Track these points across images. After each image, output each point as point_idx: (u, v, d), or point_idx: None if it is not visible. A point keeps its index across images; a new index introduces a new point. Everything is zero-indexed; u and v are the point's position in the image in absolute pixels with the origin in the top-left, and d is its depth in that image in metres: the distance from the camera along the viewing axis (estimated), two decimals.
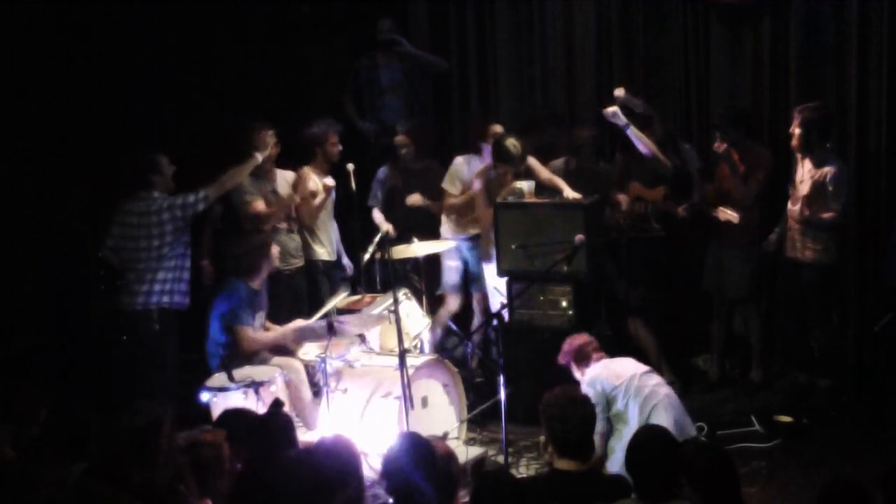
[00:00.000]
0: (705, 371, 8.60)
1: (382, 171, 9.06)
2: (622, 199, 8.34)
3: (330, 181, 8.45)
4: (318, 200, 8.47)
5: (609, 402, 6.42)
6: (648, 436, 4.75)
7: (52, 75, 8.88)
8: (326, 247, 8.64)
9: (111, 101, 9.14)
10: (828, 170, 7.61)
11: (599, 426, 6.07)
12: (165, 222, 7.46)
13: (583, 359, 6.77)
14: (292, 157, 8.63)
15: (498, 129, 8.51)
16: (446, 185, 8.60)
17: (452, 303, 8.77)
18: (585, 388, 6.37)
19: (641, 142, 8.14)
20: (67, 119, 8.89)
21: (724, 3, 8.79)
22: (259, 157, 8.00)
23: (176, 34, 9.46)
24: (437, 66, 10.06)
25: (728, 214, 7.79)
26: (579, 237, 7.18)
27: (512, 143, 8.10)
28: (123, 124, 9.08)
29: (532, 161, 8.30)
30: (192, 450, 5.35)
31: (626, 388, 6.42)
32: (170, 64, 9.43)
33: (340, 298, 7.82)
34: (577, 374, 6.73)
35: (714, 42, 9.02)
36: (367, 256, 8.22)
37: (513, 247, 7.92)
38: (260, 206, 8.17)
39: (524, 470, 7.14)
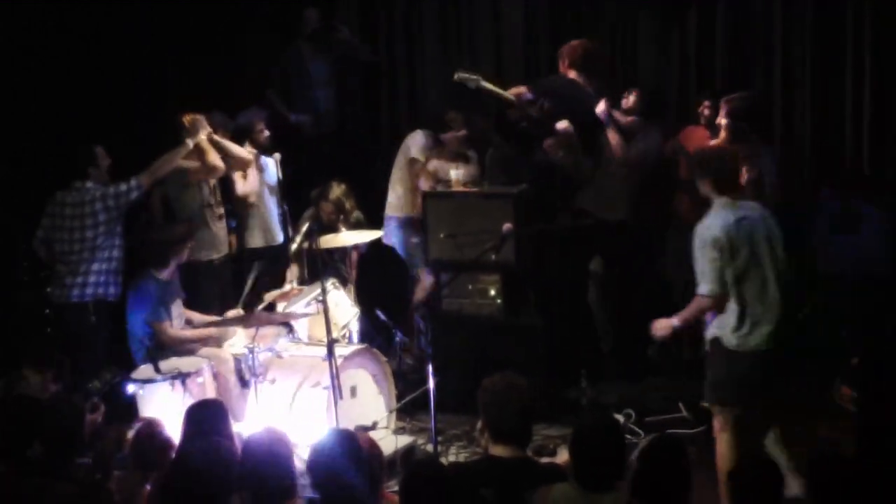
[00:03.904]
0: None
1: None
2: None
3: (252, 151, 8.47)
4: (251, 178, 8.44)
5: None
6: (595, 423, 4.72)
7: None
8: (258, 233, 8.60)
9: (40, 91, 9.00)
10: (762, 165, 7.66)
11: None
12: (99, 212, 7.42)
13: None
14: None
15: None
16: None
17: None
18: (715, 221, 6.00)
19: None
20: None
21: None
22: (190, 143, 7.89)
23: (97, 25, 9.32)
24: (368, 55, 10.06)
25: None
26: (507, 226, 7.19)
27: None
28: (54, 115, 8.95)
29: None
30: (134, 440, 5.48)
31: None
32: (92, 56, 9.30)
33: (253, 278, 7.73)
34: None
35: (641, 36, 9.10)
36: (294, 247, 8.16)
37: (441, 236, 7.92)
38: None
39: (453, 458, 7.12)
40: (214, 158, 8.04)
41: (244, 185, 8.48)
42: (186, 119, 7.91)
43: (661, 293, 8.49)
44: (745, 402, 6.12)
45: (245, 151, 8.33)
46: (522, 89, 8.07)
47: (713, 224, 5.96)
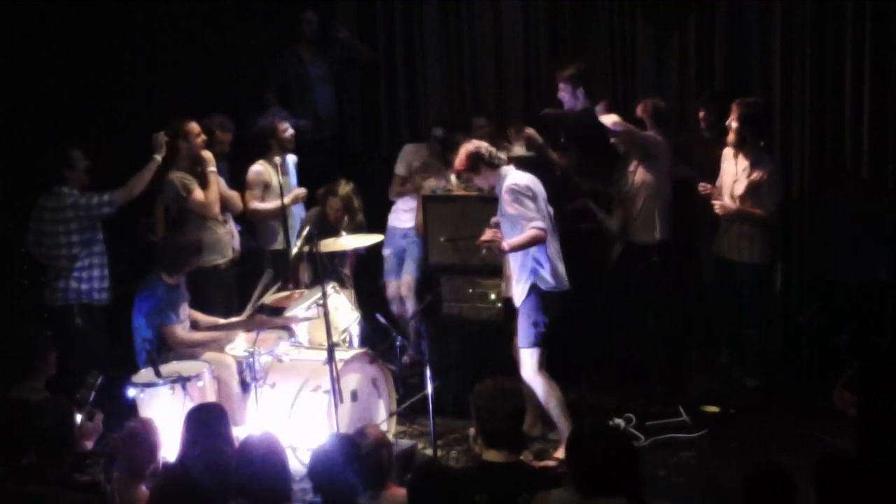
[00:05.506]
0: None
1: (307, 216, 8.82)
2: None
3: (301, 191, 8.52)
4: (287, 200, 8.31)
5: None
6: (592, 429, 4.67)
7: None
8: (281, 236, 8.47)
9: (37, 94, 9.01)
10: (764, 170, 7.67)
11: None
12: (71, 220, 7.48)
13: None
14: (243, 154, 8.61)
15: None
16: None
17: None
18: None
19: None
20: None
21: None
22: (158, 158, 7.81)
23: (96, 27, 9.33)
24: (368, 56, 10.07)
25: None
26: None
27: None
28: (42, 119, 8.95)
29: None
30: (127, 440, 5.44)
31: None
32: (90, 58, 9.31)
33: (264, 284, 7.73)
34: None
35: (640, 39, 9.08)
36: (294, 251, 8.17)
37: (441, 239, 7.92)
38: (199, 194, 8.06)
39: (453, 462, 7.12)
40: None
41: (261, 204, 8.48)
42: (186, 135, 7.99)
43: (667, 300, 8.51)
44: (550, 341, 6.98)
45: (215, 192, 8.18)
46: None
47: (518, 179, 6.86)
